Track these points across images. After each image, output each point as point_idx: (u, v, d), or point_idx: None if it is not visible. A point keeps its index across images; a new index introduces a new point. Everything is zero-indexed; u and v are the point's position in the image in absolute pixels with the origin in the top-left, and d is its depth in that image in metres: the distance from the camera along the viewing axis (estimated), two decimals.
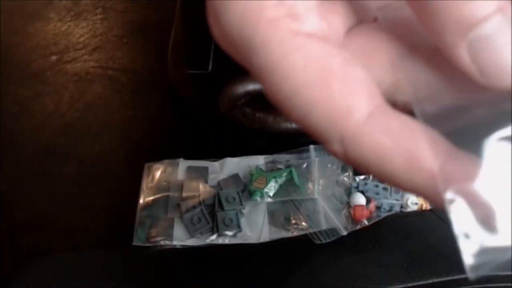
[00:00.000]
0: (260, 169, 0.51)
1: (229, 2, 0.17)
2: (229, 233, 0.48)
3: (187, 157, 0.53)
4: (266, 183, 0.49)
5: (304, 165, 0.50)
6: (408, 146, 0.16)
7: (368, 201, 0.49)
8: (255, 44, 0.17)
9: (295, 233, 0.48)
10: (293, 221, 0.48)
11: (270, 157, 0.52)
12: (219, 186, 0.50)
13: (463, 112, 0.16)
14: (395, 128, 0.16)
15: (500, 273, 0.39)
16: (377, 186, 0.49)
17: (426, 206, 0.48)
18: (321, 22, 0.18)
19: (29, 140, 0.56)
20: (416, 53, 0.17)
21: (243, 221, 0.48)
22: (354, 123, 0.16)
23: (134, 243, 0.48)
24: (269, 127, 0.52)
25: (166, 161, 0.52)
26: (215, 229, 0.48)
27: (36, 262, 0.47)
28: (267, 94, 0.18)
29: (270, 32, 0.17)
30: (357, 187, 0.50)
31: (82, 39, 0.65)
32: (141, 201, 0.50)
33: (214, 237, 0.48)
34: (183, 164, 0.52)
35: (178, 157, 0.53)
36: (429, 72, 0.17)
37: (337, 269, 0.44)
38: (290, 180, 0.50)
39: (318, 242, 0.46)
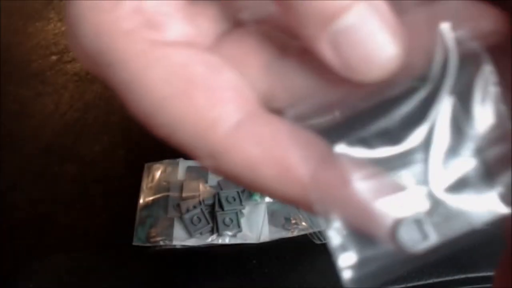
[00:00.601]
0: None
1: (84, 14, 0.16)
2: (229, 233, 0.47)
3: (187, 157, 0.53)
4: None
5: None
6: (279, 154, 0.14)
7: None
8: (112, 59, 0.15)
9: (295, 233, 0.48)
10: (293, 221, 0.48)
11: None
12: (219, 186, 0.50)
13: (337, 110, 0.15)
14: (265, 136, 0.15)
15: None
16: None
17: None
18: (186, 28, 0.16)
19: (29, 140, 0.56)
20: (286, 55, 0.16)
21: (243, 221, 0.48)
22: (221, 134, 0.15)
23: (134, 243, 0.48)
24: None
25: (166, 161, 0.52)
26: (215, 229, 0.48)
27: (36, 262, 0.46)
28: (130, 112, 0.16)
29: (127, 44, 0.15)
30: None
31: None
32: (141, 201, 0.50)
33: (214, 237, 0.48)
34: (183, 164, 0.52)
35: (178, 157, 0.53)
36: (301, 74, 0.16)
37: (337, 269, 0.44)
38: None
39: (318, 242, 0.46)
